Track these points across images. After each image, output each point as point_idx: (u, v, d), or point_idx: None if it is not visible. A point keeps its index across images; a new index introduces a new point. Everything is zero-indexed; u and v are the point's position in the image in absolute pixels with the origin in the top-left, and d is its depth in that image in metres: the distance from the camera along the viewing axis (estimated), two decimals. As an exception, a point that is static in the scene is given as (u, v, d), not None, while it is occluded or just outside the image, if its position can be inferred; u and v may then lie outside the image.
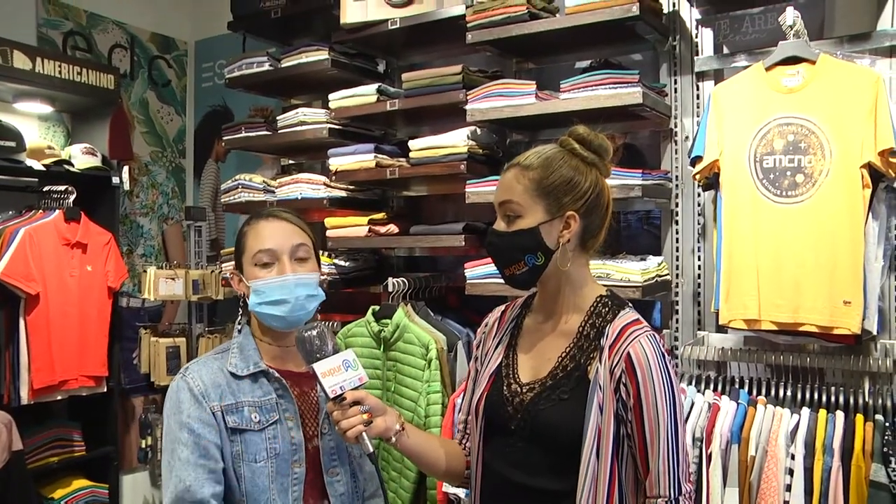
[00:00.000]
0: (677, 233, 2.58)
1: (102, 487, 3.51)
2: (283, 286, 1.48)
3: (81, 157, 3.52)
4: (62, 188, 3.38)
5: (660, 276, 2.46)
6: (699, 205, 2.55)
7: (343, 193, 3.00)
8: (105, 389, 3.50)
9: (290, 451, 1.47)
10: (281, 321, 1.51)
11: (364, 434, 1.37)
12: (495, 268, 1.45)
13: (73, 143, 3.70)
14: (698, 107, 2.55)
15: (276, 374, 1.50)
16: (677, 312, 2.55)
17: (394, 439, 1.43)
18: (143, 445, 3.78)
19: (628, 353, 1.32)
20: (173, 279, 3.62)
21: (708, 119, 2.27)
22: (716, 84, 2.45)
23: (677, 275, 2.57)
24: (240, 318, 1.60)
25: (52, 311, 3.26)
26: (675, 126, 2.58)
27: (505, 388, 1.43)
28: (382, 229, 2.87)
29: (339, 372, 1.38)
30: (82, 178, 3.49)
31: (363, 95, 2.86)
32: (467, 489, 1.54)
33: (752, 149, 2.20)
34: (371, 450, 1.37)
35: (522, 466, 1.37)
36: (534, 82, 2.51)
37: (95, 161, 3.56)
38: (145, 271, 3.66)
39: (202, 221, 3.89)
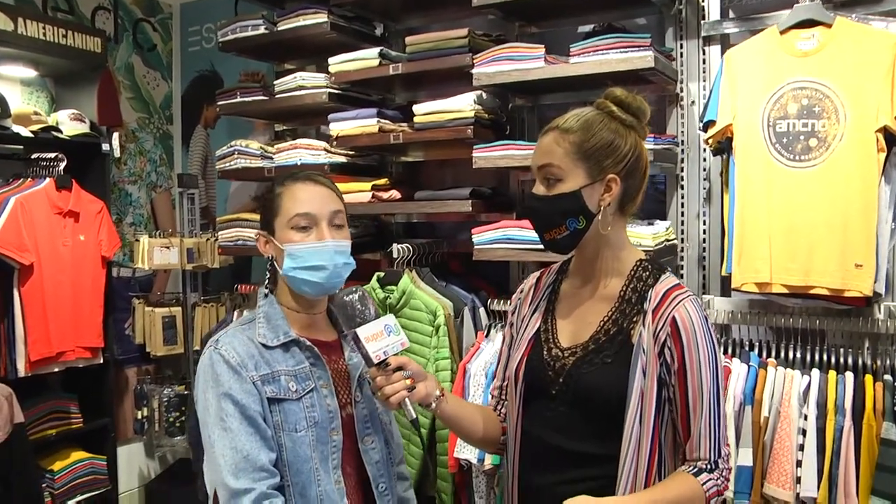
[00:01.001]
0: (682, 197, 2.60)
1: (101, 459, 3.48)
2: (323, 251, 1.46)
3: (69, 124, 3.41)
4: (52, 155, 3.28)
5: (668, 241, 2.48)
6: (704, 170, 2.56)
7: (343, 159, 2.96)
8: (101, 361, 3.45)
9: (327, 419, 1.46)
10: (316, 287, 1.48)
11: (407, 400, 1.36)
12: (534, 232, 1.45)
13: (58, 109, 3.58)
14: (704, 72, 2.55)
15: (308, 343, 1.48)
16: (682, 276, 2.56)
17: (434, 405, 1.43)
18: (140, 416, 3.74)
19: (673, 318, 1.32)
20: (168, 248, 3.55)
21: (721, 83, 2.27)
22: (722, 49, 2.44)
23: (682, 239, 2.59)
24: (265, 284, 1.56)
25: (46, 281, 3.18)
26: (682, 91, 2.58)
27: (545, 352, 1.43)
28: (385, 195, 2.85)
29: (381, 337, 1.37)
30: (70, 146, 3.38)
31: (365, 59, 2.81)
32: (501, 454, 1.55)
33: (765, 113, 2.20)
34: (414, 415, 1.37)
35: (564, 431, 1.37)
36: (542, 46, 2.49)
37: (84, 127, 3.45)
38: (137, 240, 3.60)
39: (194, 189, 3.82)
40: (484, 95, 2.69)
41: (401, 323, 2.56)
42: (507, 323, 1.60)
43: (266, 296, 1.53)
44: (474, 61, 2.56)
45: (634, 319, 1.36)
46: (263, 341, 1.45)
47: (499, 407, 1.58)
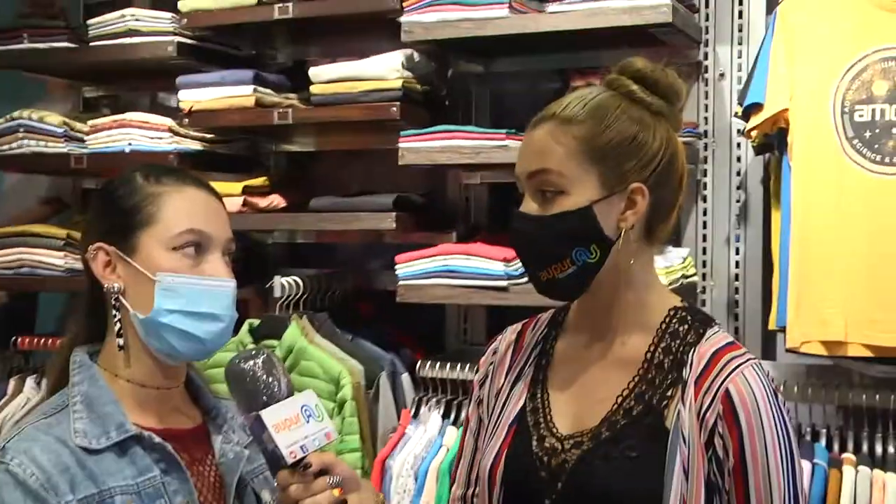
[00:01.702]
0: (706, 213, 2.60)
1: None
2: (220, 295, 1.44)
3: None
4: None
5: (686, 277, 2.46)
6: (738, 173, 2.57)
7: (198, 146, 2.93)
8: None
9: None
10: (195, 347, 1.44)
11: None
12: (524, 267, 1.45)
13: None
14: (741, 30, 2.57)
15: (157, 439, 1.42)
16: None
17: None
18: None
19: (727, 392, 1.33)
20: None
21: (771, 50, 2.28)
22: None
23: (704, 274, 2.59)
24: (72, 356, 1.47)
25: None
26: (706, 58, 2.58)
27: (535, 442, 1.43)
28: (263, 202, 2.83)
29: (297, 424, 1.35)
30: None
31: None
32: None
33: (838, 94, 2.21)
34: None
35: None
36: None
37: None
38: None
39: None
40: (416, 57, 2.66)
41: None
42: (470, 399, 1.61)
43: (82, 365, 1.46)
44: (404, 4, 2.56)
45: (669, 394, 1.37)
46: (84, 443, 1.38)
47: (464, 526, 1.59)
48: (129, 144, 2.85)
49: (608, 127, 1.37)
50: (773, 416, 1.32)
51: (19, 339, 3.11)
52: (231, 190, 2.76)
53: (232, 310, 1.46)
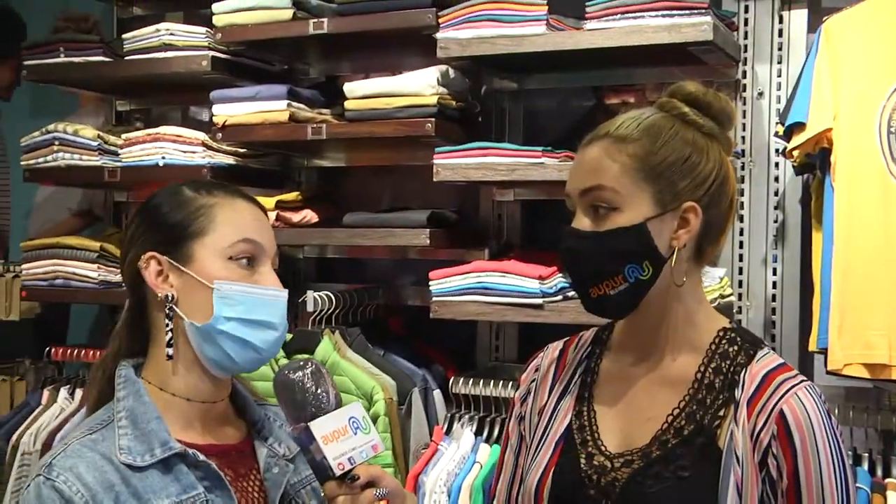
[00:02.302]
0: (742, 234, 2.58)
1: None
2: (275, 304, 1.46)
3: None
4: None
5: (723, 297, 2.44)
6: (776, 193, 2.56)
7: (231, 160, 2.94)
8: None
9: None
10: (248, 356, 1.45)
11: None
12: (573, 284, 1.49)
13: None
14: (780, 48, 2.54)
15: (201, 457, 1.42)
16: None
17: None
18: None
19: (781, 412, 1.33)
20: None
21: (815, 68, 2.25)
22: (811, 14, 2.45)
23: (741, 295, 2.57)
24: (118, 370, 1.46)
25: None
26: (744, 76, 2.57)
27: (583, 461, 1.43)
28: (296, 217, 2.84)
29: (345, 436, 1.35)
30: None
31: (271, 9, 2.77)
32: None
33: (884, 114, 2.19)
34: None
35: None
36: (544, 2, 2.47)
37: None
38: None
39: None
40: (451, 73, 2.67)
41: None
42: (510, 416, 1.61)
43: (127, 381, 1.46)
44: (440, 20, 2.55)
45: (721, 414, 1.38)
46: (128, 460, 1.38)
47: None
48: (163, 158, 2.86)
49: (663, 146, 1.38)
50: (828, 438, 1.33)
51: (53, 350, 3.12)
52: (264, 204, 2.72)
53: (285, 320, 1.48)
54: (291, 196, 2.81)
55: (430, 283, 2.54)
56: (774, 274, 2.54)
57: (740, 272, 2.56)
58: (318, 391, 1.37)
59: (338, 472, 1.33)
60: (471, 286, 2.50)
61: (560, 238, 1.43)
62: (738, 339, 1.44)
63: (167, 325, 1.42)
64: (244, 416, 1.55)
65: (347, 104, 2.67)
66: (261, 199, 2.66)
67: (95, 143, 2.97)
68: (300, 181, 3.15)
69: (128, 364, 1.46)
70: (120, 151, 2.94)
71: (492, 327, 2.87)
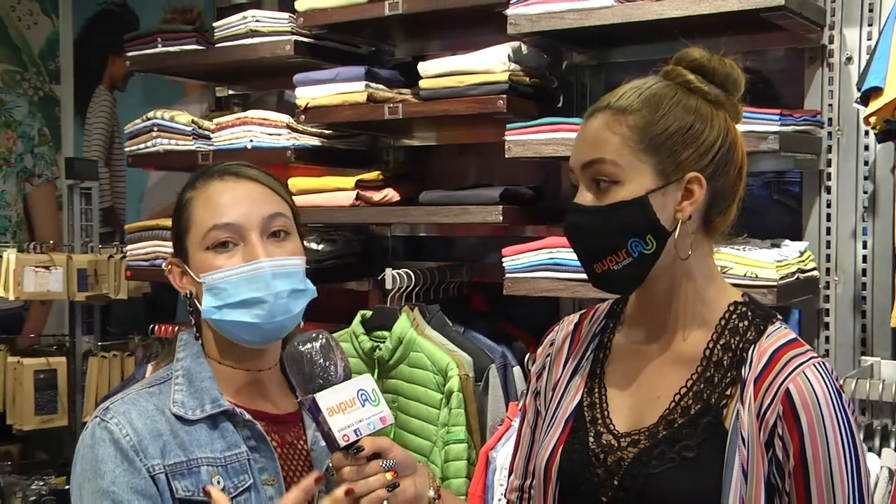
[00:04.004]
0: (829, 206, 2.53)
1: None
2: (255, 278, 1.46)
3: None
4: None
5: (802, 272, 2.39)
6: (866, 163, 2.49)
7: (315, 141, 3.00)
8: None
9: None
10: (254, 332, 1.48)
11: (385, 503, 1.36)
12: (577, 259, 1.45)
13: None
14: (870, 10, 2.47)
15: (247, 416, 1.48)
16: (828, 327, 2.52)
17: None
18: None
19: (787, 391, 1.32)
20: (47, 268, 3.52)
21: (894, 31, 2.17)
22: None
23: (828, 269, 2.52)
24: (179, 334, 1.55)
25: None
26: (831, 41, 2.50)
27: (592, 439, 1.44)
28: (377, 195, 2.86)
29: (352, 407, 1.37)
30: None
31: None
32: None
33: None
34: None
35: None
36: None
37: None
38: (0, 256, 3.58)
39: (91, 181, 3.79)
40: (524, 49, 2.67)
41: (396, 386, 2.64)
42: (528, 390, 1.61)
43: (186, 343, 1.53)
44: None
45: (728, 393, 1.37)
46: (180, 412, 1.46)
47: (521, 516, 1.59)
48: (251, 141, 2.95)
49: (663, 116, 1.36)
50: (837, 418, 1.30)
51: (157, 327, 3.28)
52: (344, 184, 2.82)
53: (275, 286, 1.47)
54: (372, 175, 2.85)
55: (503, 259, 2.55)
56: (864, 247, 2.47)
57: (828, 246, 2.50)
58: (326, 363, 1.39)
59: (342, 444, 1.34)
60: (543, 262, 2.50)
61: (568, 213, 1.42)
62: (750, 313, 1.41)
63: (191, 321, 1.51)
64: (293, 388, 1.57)
65: (422, 83, 2.70)
66: (340, 179, 2.81)
67: (190, 129, 3.07)
68: (388, 160, 3.19)
69: (189, 332, 1.54)
70: (212, 136, 3.03)
71: (574, 303, 2.84)
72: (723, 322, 1.41)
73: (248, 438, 1.47)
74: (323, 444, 1.50)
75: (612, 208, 1.37)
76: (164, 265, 1.55)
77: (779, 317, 1.42)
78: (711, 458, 1.33)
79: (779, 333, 1.38)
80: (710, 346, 1.40)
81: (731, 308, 1.42)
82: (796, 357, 1.34)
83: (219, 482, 1.42)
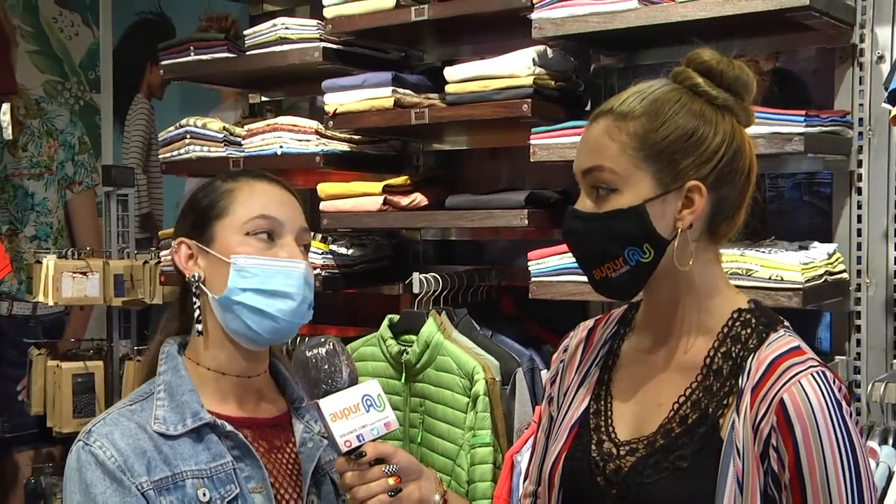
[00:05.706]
0: (860, 207, 2.49)
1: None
2: (291, 274, 1.51)
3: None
4: None
5: (832, 274, 2.36)
6: None
7: (344, 147, 3.00)
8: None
9: None
10: (268, 326, 1.50)
11: None
12: (577, 264, 1.47)
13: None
14: None
15: (228, 427, 1.49)
16: (859, 330, 2.48)
17: None
18: (32, 523, 3.77)
19: (781, 401, 1.30)
20: (85, 274, 3.55)
21: None
22: None
23: (859, 271, 2.48)
24: (162, 346, 1.56)
25: None
26: (862, 40, 2.47)
27: (594, 447, 1.44)
28: (405, 200, 2.87)
29: (356, 413, 1.39)
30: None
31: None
32: None
33: None
34: None
35: None
36: None
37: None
38: (39, 262, 3.61)
39: (129, 188, 3.83)
40: (549, 53, 2.67)
41: (423, 390, 2.66)
42: (544, 396, 1.62)
43: (168, 356, 1.55)
44: (533, 2, 2.56)
45: (725, 402, 1.36)
46: (161, 429, 1.47)
47: (533, 523, 1.60)
48: (281, 147, 2.96)
49: (664, 123, 1.35)
50: (834, 428, 1.28)
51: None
52: (371, 189, 2.83)
53: (304, 290, 1.52)
54: (400, 180, 2.85)
55: (529, 263, 2.55)
56: (896, 249, 2.43)
57: (858, 248, 2.46)
58: (331, 369, 1.40)
59: (343, 449, 1.36)
60: (568, 266, 2.47)
61: (565, 218, 1.43)
62: (753, 320, 1.39)
63: (195, 304, 1.51)
64: (284, 393, 1.61)
65: (447, 88, 2.69)
66: (368, 185, 2.84)
67: (221, 135, 3.09)
68: (417, 165, 3.20)
69: (173, 342, 1.55)
70: (243, 142, 3.05)
71: (603, 307, 2.78)
72: (725, 329, 1.40)
73: (231, 448, 1.49)
74: (311, 444, 1.55)
75: (609, 216, 1.36)
76: (173, 245, 1.56)
77: (785, 324, 1.41)
78: (705, 469, 1.32)
79: (781, 341, 1.36)
80: (711, 353, 1.39)
81: (735, 315, 1.41)
82: (794, 366, 1.32)
83: (204, 494, 1.44)
